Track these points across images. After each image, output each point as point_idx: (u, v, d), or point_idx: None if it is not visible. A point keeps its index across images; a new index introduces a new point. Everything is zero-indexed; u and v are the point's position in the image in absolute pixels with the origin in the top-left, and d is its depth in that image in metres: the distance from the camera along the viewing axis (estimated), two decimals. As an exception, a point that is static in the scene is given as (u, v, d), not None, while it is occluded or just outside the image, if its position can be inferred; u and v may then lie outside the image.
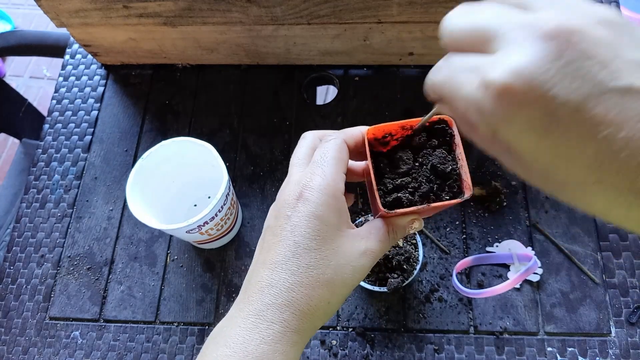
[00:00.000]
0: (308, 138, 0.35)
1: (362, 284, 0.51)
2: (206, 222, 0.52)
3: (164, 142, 0.55)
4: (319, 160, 0.32)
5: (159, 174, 0.56)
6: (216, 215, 0.52)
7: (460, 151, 0.33)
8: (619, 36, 0.20)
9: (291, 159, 0.35)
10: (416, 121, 0.34)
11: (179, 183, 0.60)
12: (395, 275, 0.51)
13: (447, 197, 0.33)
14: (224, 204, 0.53)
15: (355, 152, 0.34)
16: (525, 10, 0.22)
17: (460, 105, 0.24)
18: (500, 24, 0.22)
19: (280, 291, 0.30)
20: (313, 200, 0.31)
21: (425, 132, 0.35)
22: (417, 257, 0.52)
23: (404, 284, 0.50)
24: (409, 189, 0.34)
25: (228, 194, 0.54)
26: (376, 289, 0.51)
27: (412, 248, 0.53)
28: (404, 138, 0.35)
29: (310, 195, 0.31)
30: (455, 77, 0.24)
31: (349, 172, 0.35)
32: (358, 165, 0.37)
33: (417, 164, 0.34)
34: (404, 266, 0.51)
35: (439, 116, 0.33)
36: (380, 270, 0.52)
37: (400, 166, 0.34)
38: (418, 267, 0.51)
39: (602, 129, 0.19)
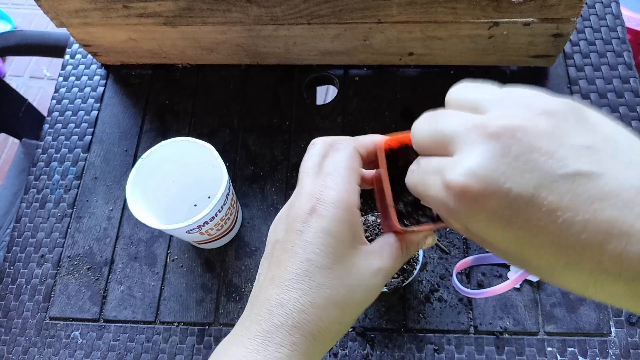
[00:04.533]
0: (318, 145, 0.33)
1: None
2: (206, 222, 0.52)
3: (163, 142, 0.55)
4: (332, 171, 0.31)
5: (159, 174, 0.57)
6: (216, 215, 0.52)
7: None
8: (561, 124, 0.22)
9: (301, 168, 0.32)
10: None
11: (179, 183, 0.60)
12: (395, 275, 0.50)
13: None
14: (224, 204, 0.53)
15: (367, 161, 0.33)
16: (479, 112, 0.24)
17: (432, 205, 0.26)
18: (456, 128, 0.24)
19: (290, 312, 0.28)
20: (327, 215, 0.29)
21: None
22: (417, 257, 0.52)
23: (404, 284, 0.50)
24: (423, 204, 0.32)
25: (228, 194, 0.54)
26: None
27: None
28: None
29: (324, 210, 0.29)
30: (424, 179, 0.26)
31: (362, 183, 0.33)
32: (368, 172, 0.35)
33: None
34: (404, 266, 0.51)
35: None
36: None
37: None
38: (418, 267, 0.51)
39: (559, 215, 0.20)
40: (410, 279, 0.51)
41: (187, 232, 0.52)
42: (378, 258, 0.31)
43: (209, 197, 0.63)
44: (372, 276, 0.30)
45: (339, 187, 0.30)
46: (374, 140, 0.32)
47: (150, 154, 0.55)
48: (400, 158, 0.32)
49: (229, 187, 0.54)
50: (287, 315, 0.28)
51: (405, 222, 0.31)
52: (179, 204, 0.61)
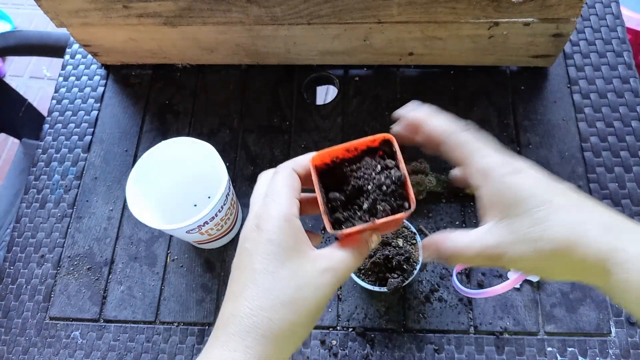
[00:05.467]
0: (263, 176, 0.37)
1: (363, 284, 0.51)
2: (206, 222, 0.52)
3: (164, 142, 0.55)
4: (271, 192, 0.34)
5: (160, 174, 0.57)
6: (216, 215, 0.52)
7: (402, 166, 0.35)
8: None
9: (250, 199, 0.36)
10: (359, 142, 0.36)
11: (179, 183, 0.60)
12: (395, 275, 0.51)
13: (391, 211, 0.34)
14: (224, 204, 0.53)
15: (308, 179, 0.36)
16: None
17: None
18: None
19: (241, 318, 0.30)
20: (268, 228, 0.32)
21: (371, 152, 0.37)
22: (417, 257, 0.52)
23: (404, 284, 0.50)
24: (355, 208, 0.35)
25: (228, 194, 0.54)
26: (376, 288, 0.51)
27: (412, 248, 0.53)
28: (353, 159, 0.37)
29: (265, 224, 0.32)
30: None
31: (308, 204, 0.36)
32: (314, 196, 0.37)
33: (363, 182, 0.35)
34: (404, 266, 0.51)
35: (382, 136, 0.36)
36: (381, 270, 0.52)
37: (346, 187, 0.36)
38: (418, 267, 0.52)
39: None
40: (410, 279, 0.51)
41: (187, 232, 0.52)
42: (326, 259, 0.33)
43: (209, 197, 0.63)
44: (320, 275, 0.32)
45: (277, 203, 0.33)
46: (308, 157, 0.36)
47: (151, 153, 0.55)
48: (336, 168, 0.36)
49: (229, 187, 0.54)
50: (239, 322, 0.30)
51: (343, 226, 0.34)
52: (179, 204, 0.61)
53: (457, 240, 0.34)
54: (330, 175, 0.37)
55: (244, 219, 0.63)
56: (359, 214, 0.35)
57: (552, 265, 0.31)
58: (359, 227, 0.33)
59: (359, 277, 0.51)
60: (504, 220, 0.32)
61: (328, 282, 0.32)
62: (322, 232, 0.61)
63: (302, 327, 0.31)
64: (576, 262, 0.29)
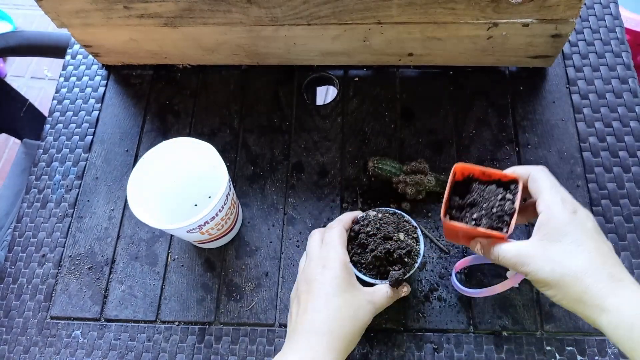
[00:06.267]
0: (316, 233, 0.52)
1: (365, 277, 0.51)
2: (207, 222, 0.52)
3: (164, 142, 0.55)
4: (329, 242, 0.49)
5: (160, 174, 0.57)
6: (217, 215, 0.53)
7: (517, 204, 0.46)
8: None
9: (307, 249, 0.51)
10: (495, 173, 0.48)
11: (179, 183, 0.60)
12: (397, 268, 0.51)
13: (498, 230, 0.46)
14: (225, 204, 0.53)
15: (349, 229, 0.53)
16: None
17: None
18: None
19: (320, 325, 0.44)
20: (333, 266, 0.47)
21: (501, 184, 0.48)
22: (418, 250, 0.52)
23: (406, 277, 0.50)
24: (466, 215, 0.48)
25: (229, 193, 0.54)
26: (378, 282, 0.51)
27: (413, 242, 0.52)
28: (485, 181, 0.49)
29: (331, 264, 0.47)
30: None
31: None
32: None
33: (482, 200, 0.48)
34: (405, 259, 0.51)
35: (514, 176, 0.47)
36: (382, 263, 0.51)
37: (468, 196, 0.49)
38: (419, 260, 0.52)
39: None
40: (411, 272, 0.51)
41: (188, 231, 0.52)
42: (370, 295, 0.48)
43: (210, 197, 0.64)
44: (367, 304, 0.47)
45: (337, 251, 0.48)
46: (354, 215, 0.54)
47: (151, 154, 0.55)
48: (469, 182, 0.50)
49: (230, 187, 0.54)
50: (319, 327, 0.44)
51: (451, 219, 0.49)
52: (179, 203, 0.62)
53: (504, 244, 0.45)
54: (461, 185, 0.49)
55: (244, 219, 0.64)
56: (466, 219, 0.47)
57: (558, 286, 0.40)
58: (461, 224, 0.47)
59: (360, 271, 0.51)
60: (544, 239, 0.42)
61: (370, 310, 0.47)
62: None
63: (356, 336, 0.46)
64: (578, 292, 0.39)
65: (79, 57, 0.79)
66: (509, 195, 0.47)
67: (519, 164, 0.64)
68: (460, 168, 0.49)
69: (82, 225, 0.66)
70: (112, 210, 0.66)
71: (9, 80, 1.81)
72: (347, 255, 0.49)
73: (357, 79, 0.72)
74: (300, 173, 0.66)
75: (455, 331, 0.56)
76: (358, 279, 0.50)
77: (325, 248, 0.48)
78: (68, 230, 0.65)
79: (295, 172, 0.66)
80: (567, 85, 0.68)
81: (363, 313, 0.46)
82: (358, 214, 0.54)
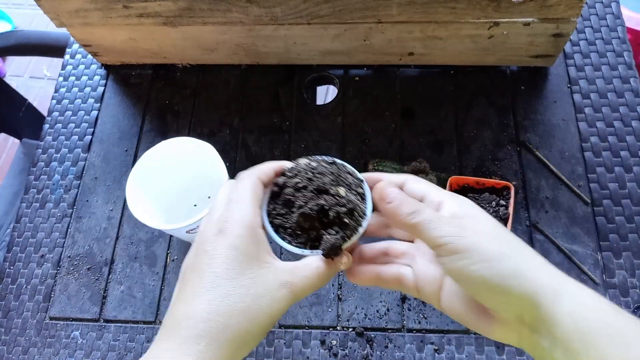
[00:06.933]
0: (226, 184, 0.37)
1: (288, 246, 0.36)
2: None
3: (164, 142, 0.55)
4: (235, 198, 0.34)
5: (159, 174, 0.57)
6: None
7: (511, 209, 0.49)
8: None
9: (211, 206, 0.35)
10: (488, 181, 0.50)
11: (179, 183, 0.60)
12: (333, 232, 0.36)
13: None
14: None
15: (268, 184, 0.37)
16: None
17: None
18: None
19: (196, 322, 0.29)
20: (232, 233, 0.32)
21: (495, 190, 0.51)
22: (364, 210, 0.37)
23: (347, 244, 0.36)
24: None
25: None
26: (307, 252, 0.36)
27: (358, 198, 0.37)
28: (478, 190, 0.54)
29: (229, 229, 0.32)
30: None
31: None
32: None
33: None
34: (345, 220, 0.36)
35: (506, 184, 0.50)
36: (313, 226, 0.36)
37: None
38: (365, 222, 0.37)
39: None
40: (354, 238, 0.36)
41: (187, 232, 0.52)
42: (288, 273, 0.33)
43: (209, 198, 0.63)
44: (279, 288, 0.32)
45: (242, 210, 0.33)
46: (271, 166, 0.37)
47: (151, 153, 0.55)
48: (463, 191, 0.50)
49: None
50: (194, 325, 0.29)
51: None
52: (179, 204, 0.61)
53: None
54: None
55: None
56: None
57: (486, 254, 0.30)
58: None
59: (284, 238, 0.36)
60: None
61: (284, 297, 0.32)
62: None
63: (253, 336, 0.31)
64: (515, 264, 0.30)
65: (78, 56, 0.79)
66: (502, 202, 0.47)
67: (520, 164, 0.63)
68: (455, 179, 0.52)
69: (81, 225, 0.65)
70: (112, 210, 0.66)
71: (8, 79, 1.80)
72: (258, 217, 0.34)
73: (357, 78, 0.72)
74: (300, 173, 0.66)
75: (457, 332, 0.55)
76: (281, 251, 0.39)
77: (228, 205, 0.34)
78: (67, 230, 0.65)
79: (295, 172, 0.66)
80: (569, 85, 0.68)
81: (270, 302, 0.31)
82: (286, 164, 0.38)
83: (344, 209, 0.35)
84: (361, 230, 0.36)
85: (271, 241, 0.35)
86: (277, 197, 0.37)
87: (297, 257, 0.35)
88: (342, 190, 0.37)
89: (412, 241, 0.38)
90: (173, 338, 0.30)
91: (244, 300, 0.30)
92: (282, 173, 0.37)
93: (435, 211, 0.32)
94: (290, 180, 0.37)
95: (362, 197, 0.37)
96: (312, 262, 0.34)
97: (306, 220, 0.36)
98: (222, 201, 0.35)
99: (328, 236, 0.35)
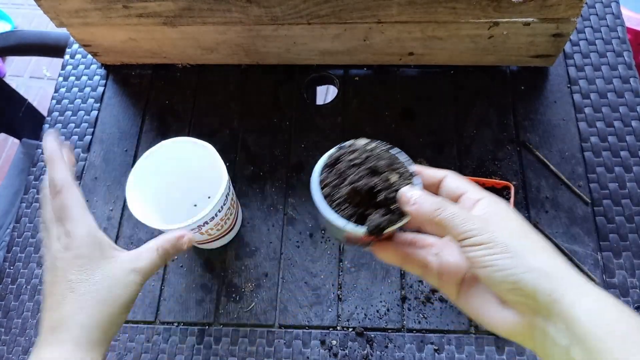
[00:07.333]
0: (46, 206, 0.41)
1: (333, 218, 0.36)
2: (206, 222, 0.52)
3: (164, 142, 0.55)
4: (66, 215, 0.39)
5: (159, 174, 0.56)
6: (216, 215, 0.52)
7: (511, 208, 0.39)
8: None
9: (43, 220, 0.41)
10: (487, 181, 0.46)
11: (179, 183, 0.60)
12: (380, 214, 0.36)
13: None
14: (224, 204, 0.53)
15: None
16: None
17: None
18: None
19: (67, 319, 0.36)
20: (73, 245, 0.38)
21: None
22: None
23: (389, 228, 0.35)
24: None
25: (228, 194, 0.54)
26: (350, 226, 0.36)
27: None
28: None
29: (72, 243, 0.38)
30: None
31: None
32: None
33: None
34: (392, 207, 0.36)
35: (505, 183, 0.44)
36: (361, 202, 0.36)
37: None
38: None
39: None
40: (398, 224, 0.36)
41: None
42: (133, 261, 0.40)
43: (209, 198, 0.63)
44: (127, 275, 0.39)
45: (77, 223, 0.39)
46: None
47: (151, 154, 0.55)
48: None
49: (229, 187, 0.54)
50: (66, 323, 0.36)
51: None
52: (179, 204, 0.61)
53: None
54: None
55: (244, 219, 0.63)
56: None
57: (512, 248, 0.31)
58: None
59: (331, 205, 0.36)
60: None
61: (134, 281, 0.39)
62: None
63: (117, 316, 0.38)
64: (542, 261, 0.30)
65: (78, 56, 0.79)
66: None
67: (520, 164, 0.63)
68: None
69: (81, 225, 0.65)
70: (111, 210, 0.66)
71: (8, 79, 1.80)
72: (92, 222, 0.40)
73: (357, 78, 0.72)
74: (300, 173, 0.66)
75: (457, 332, 0.55)
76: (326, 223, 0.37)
77: (64, 223, 0.39)
78: (67, 230, 0.65)
79: (295, 172, 0.66)
80: (569, 85, 0.68)
81: (124, 288, 0.39)
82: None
83: (392, 195, 0.36)
84: (405, 219, 0.36)
85: (318, 212, 0.37)
86: (331, 166, 0.38)
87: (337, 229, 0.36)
88: (394, 177, 0.37)
89: (441, 237, 0.39)
90: (53, 340, 0.36)
91: (100, 293, 0.38)
92: (339, 146, 0.39)
93: (458, 207, 0.34)
94: (347, 155, 0.38)
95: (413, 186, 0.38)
96: (153, 245, 0.42)
97: (355, 196, 0.36)
98: (53, 221, 0.40)
99: (376, 216, 0.36)
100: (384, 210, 0.36)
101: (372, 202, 0.36)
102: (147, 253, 0.41)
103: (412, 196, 0.35)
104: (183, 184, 0.60)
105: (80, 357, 0.36)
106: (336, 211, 0.36)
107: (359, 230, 0.35)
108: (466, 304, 0.35)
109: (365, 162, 0.37)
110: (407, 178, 0.38)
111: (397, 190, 0.36)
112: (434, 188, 0.39)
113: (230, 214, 0.57)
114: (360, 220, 0.36)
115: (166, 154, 0.55)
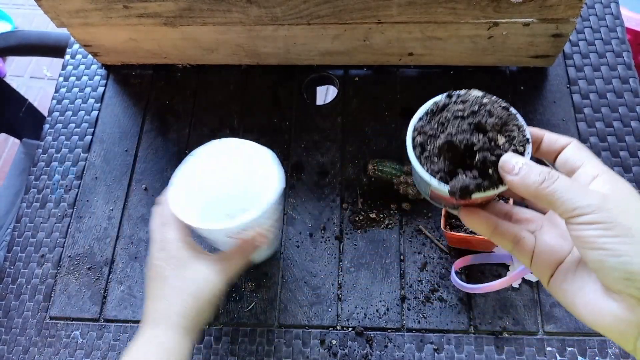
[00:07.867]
0: (155, 213, 0.49)
1: (420, 170, 0.33)
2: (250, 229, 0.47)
3: (214, 141, 0.50)
4: (166, 221, 0.47)
5: (204, 175, 0.52)
6: (264, 222, 0.48)
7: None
8: None
9: (150, 228, 0.49)
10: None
11: (219, 189, 0.54)
12: (471, 176, 0.32)
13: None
14: (274, 214, 0.49)
15: None
16: None
17: None
18: None
19: (165, 309, 0.44)
20: (169, 247, 0.46)
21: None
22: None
23: (478, 194, 0.31)
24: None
25: (280, 205, 0.48)
26: (434, 182, 0.32)
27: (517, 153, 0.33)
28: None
29: (168, 246, 0.46)
30: None
31: None
32: None
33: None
34: (490, 170, 0.31)
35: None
36: (454, 158, 0.33)
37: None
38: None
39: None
40: (491, 192, 0.32)
41: (228, 236, 0.48)
42: (219, 262, 0.46)
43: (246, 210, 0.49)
44: (215, 275, 0.46)
45: (173, 230, 0.46)
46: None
47: (202, 152, 0.50)
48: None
49: (281, 201, 0.48)
50: (164, 312, 0.44)
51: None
52: (212, 210, 0.53)
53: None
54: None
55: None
56: (465, 227, 0.46)
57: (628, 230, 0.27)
58: (461, 233, 0.51)
59: (419, 159, 0.33)
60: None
61: (220, 280, 0.46)
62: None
63: (205, 310, 0.46)
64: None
65: (79, 56, 0.79)
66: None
67: (520, 164, 0.63)
68: None
69: (81, 225, 0.65)
70: (112, 210, 0.66)
71: (8, 79, 1.80)
72: (185, 230, 0.47)
73: (357, 78, 0.72)
74: (300, 173, 0.66)
75: (456, 332, 0.55)
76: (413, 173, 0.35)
77: (163, 229, 0.47)
78: (67, 230, 0.65)
79: (295, 172, 0.66)
80: (568, 85, 0.68)
81: (211, 286, 0.45)
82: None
83: (493, 158, 0.31)
84: (501, 189, 0.32)
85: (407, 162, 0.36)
86: (432, 115, 0.34)
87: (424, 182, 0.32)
88: (501, 139, 0.32)
89: (544, 213, 0.35)
90: (157, 325, 0.44)
91: (190, 288, 0.45)
92: (449, 95, 0.34)
93: (571, 179, 0.29)
94: (453, 105, 0.33)
95: (523, 154, 0.33)
96: (236, 249, 0.48)
97: (449, 150, 0.32)
98: (157, 226, 0.48)
99: (464, 176, 0.31)
100: (477, 173, 0.31)
101: (469, 163, 0.32)
102: (230, 257, 0.47)
103: (516, 164, 0.30)
104: (222, 190, 0.54)
105: (177, 339, 0.43)
106: (424, 163, 0.33)
107: (443, 189, 0.32)
108: (560, 290, 0.31)
109: (471, 116, 0.32)
110: (517, 144, 0.32)
111: (499, 156, 0.31)
112: (551, 157, 0.34)
113: (275, 228, 0.52)
114: (453, 174, 0.32)
115: (215, 154, 0.51)
